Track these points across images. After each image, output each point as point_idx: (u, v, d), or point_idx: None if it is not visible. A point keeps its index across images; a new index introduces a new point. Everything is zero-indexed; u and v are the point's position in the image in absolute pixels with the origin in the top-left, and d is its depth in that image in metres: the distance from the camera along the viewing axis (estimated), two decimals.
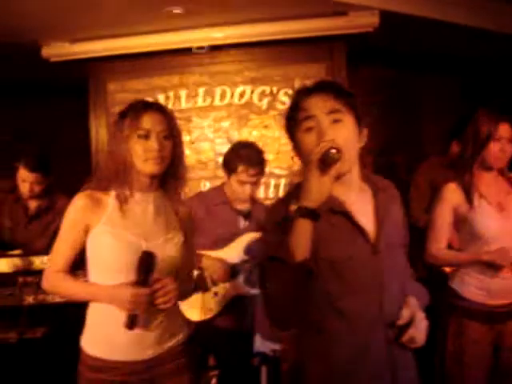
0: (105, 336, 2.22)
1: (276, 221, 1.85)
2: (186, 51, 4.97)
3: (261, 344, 3.97)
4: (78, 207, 2.23)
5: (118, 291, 2.14)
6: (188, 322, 2.49)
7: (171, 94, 5.11)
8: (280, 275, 1.72)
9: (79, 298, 2.33)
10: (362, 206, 1.91)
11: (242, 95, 5.04)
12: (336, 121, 1.82)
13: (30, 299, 3.52)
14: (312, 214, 1.71)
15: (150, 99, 4.85)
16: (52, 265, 2.31)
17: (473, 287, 3.05)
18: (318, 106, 1.82)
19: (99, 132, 5.22)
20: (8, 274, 3.57)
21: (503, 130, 2.99)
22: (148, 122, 2.20)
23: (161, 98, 5.08)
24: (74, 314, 3.57)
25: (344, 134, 1.82)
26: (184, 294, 2.50)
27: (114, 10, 4.35)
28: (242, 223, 3.52)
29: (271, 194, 4.95)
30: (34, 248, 4.02)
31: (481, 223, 3.00)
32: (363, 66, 5.37)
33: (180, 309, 2.45)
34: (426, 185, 4.41)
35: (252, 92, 5.03)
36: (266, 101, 5.02)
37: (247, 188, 3.40)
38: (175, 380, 2.30)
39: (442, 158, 4.49)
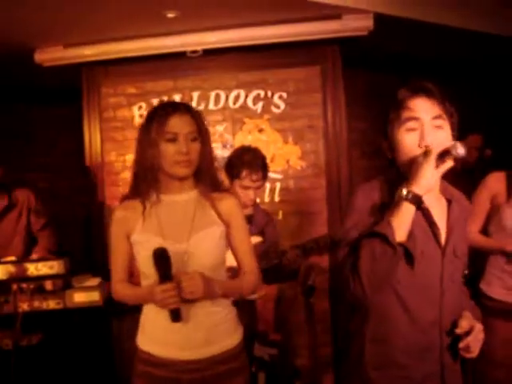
0: (156, 334, 2.29)
1: (375, 203, 1.96)
2: (180, 55, 4.94)
3: (259, 349, 3.97)
4: (116, 220, 2.34)
5: (150, 291, 2.17)
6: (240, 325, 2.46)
7: (165, 98, 5.07)
8: (376, 252, 1.81)
9: (139, 303, 2.39)
10: (436, 212, 1.99)
11: (236, 99, 5.03)
12: (438, 127, 1.93)
13: (24, 306, 3.50)
14: (419, 201, 1.84)
15: (148, 106, 4.95)
16: (113, 277, 2.40)
17: (497, 287, 3.20)
18: (424, 109, 1.92)
19: (92, 136, 5.19)
20: (2, 281, 3.54)
21: None
22: (175, 125, 2.21)
23: (154, 103, 5.05)
24: (68, 320, 3.60)
25: (441, 140, 1.90)
26: (237, 288, 2.44)
27: (107, 14, 4.32)
28: None
29: (266, 197, 4.96)
30: (12, 248, 4.01)
31: (510, 217, 3.14)
32: (359, 69, 5.36)
33: (234, 311, 2.44)
34: None
35: (246, 96, 5.01)
36: (260, 104, 5.01)
37: (250, 193, 3.43)
38: (227, 383, 2.31)
39: None
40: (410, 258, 1.90)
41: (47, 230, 4.20)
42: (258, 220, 3.59)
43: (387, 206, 1.91)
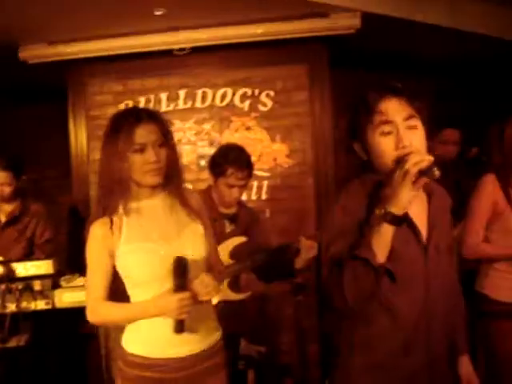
0: (144, 335, 2.28)
1: (354, 215, 1.94)
2: (167, 53, 4.93)
3: (246, 347, 3.97)
4: (96, 237, 2.27)
5: (164, 301, 2.16)
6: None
7: (152, 96, 5.06)
8: (359, 273, 1.82)
9: (130, 320, 2.31)
10: (416, 209, 1.97)
11: (223, 97, 5.02)
12: (412, 127, 1.91)
13: (12, 307, 3.46)
14: (398, 221, 1.82)
15: (134, 104, 4.92)
16: (92, 298, 2.30)
17: (506, 289, 3.12)
18: (397, 111, 1.91)
19: (78, 134, 5.16)
20: None
21: None
22: (142, 135, 2.19)
23: (141, 101, 5.03)
24: (56, 321, 3.57)
25: (419, 140, 1.91)
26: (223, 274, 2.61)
27: (93, 12, 4.29)
28: (228, 227, 3.49)
29: (254, 196, 4.96)
30: (10, 255, 3.96)
31: None
32: (345, 68, 5.36)
33: (213, 308, 2.47)
34: None
35: (233, 94, 5.01)
36: (247, 103, 5.01)
37: (235, 191, 3.38)
38: (213, 378, 2.34)
39: None
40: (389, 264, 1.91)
41: (48, 247, 4.18)
42: (242, 219, 3.55)
43: (366, 212, 1.93)
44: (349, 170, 5.56)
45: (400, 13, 4.53)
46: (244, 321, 3.72)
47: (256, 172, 4.67)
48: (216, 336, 2.40)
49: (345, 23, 4.60)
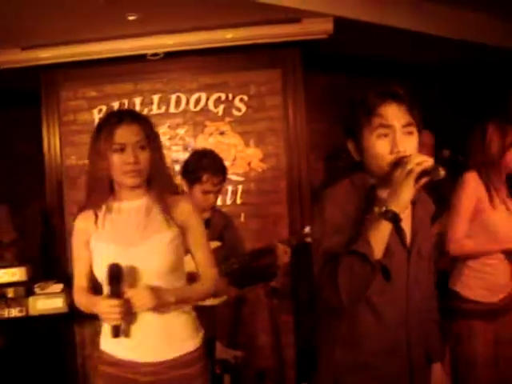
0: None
1: (344, 210, 1.96)
2: (141, 58, 4.92)
3: (222, 351, 3.97)
4: (77, 229, 2.38)
5: (98, 304, 2.18)
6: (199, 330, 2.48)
7: (125, 101, 5.05)
8: (356, 269, 1.83)
9: (90, 312, 2.36)
10: (402, 214, 1.95)
11: (197, 102, 5.03)
12: (409, 133, 1.94)
13: None
14: (397, 219, 1.85)
15: (121, 107, 4.92)
16: (74, 286, 2.42)
17: (478, 288, 3.16)
18: (396, 117, 1.93)
19: (51, 140, 5.13)
20: None
21: None
22: (122, 135, 2.21)
23: (115, 106, 5.02)
24: (29, 327, 3.55)
25: (413, 146, 1.94)
26: (192, 294, 2.45)
27: (66, 17, 4.27)
28: None
29: (229, 200, 4.97)
30: None
31: (499, 223, 3.13)
32: (318, 72, 5.39)
33: (191, 317, 2.44)
34: None
35: (207, 98, 5.02)
36: (221, 107, 5.01)
37: (211, 197, 3.38)
38: None
39: None
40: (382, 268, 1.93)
41: (15, 247, 4.17)
42: (215, 224, 3.52)
43: (359, 213, 1.95)
44: (322, 174, 5.64)
45: (372, 17, 4.58)
46: (219, 325, 3.72)
47: (230, 176, 4.69)
48: (189, 344, 2.37)
49: (317, 28, 4.63)
